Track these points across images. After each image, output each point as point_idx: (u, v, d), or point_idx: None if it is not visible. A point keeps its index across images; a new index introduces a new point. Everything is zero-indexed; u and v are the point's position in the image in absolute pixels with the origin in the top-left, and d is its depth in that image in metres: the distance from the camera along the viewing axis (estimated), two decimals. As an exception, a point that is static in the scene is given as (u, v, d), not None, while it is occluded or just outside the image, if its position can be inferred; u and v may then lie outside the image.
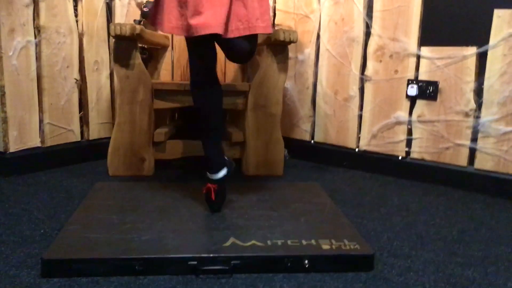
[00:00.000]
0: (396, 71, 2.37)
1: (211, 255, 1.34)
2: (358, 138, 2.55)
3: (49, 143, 2.38)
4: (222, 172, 1.72)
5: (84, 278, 1.28)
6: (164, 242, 1.42)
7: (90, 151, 2.56)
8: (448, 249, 1.55)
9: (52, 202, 1.88)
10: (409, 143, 2.38)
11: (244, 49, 1.66)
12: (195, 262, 1.32)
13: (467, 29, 2.15)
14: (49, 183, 2.14)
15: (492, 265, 1.43)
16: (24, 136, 2.26)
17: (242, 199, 1.85)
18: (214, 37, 1.59)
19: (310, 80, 2.70)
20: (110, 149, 2.26)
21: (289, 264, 1.34)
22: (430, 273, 1.37)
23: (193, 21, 1.53)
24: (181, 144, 2.34)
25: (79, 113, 2.52)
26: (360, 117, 2.53)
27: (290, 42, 2.23)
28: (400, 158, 2.42)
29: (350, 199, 2.05)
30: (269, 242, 1.43)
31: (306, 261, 1.35)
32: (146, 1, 2.63)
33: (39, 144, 2.34)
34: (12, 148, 2.21)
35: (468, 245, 1.58)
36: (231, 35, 1.58)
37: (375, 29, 2.41)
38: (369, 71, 2.46)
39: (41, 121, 2.33)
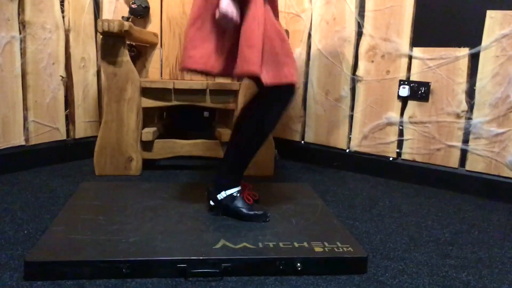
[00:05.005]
0: (387, 72, 2.35)
1: (201, 258, 1.30)
2: (349, 139, 2.53)
3: (33, 141, 2.32)
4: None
5: (69, 281, 1.24)
6: (152, 244, 1.38)
7: (76, 150, 2.51)
8: (441, 251, 1.53)
9: (36, 202, 1.83)
10: (400, 144, 2.36)
11: None
12: (184, 265, 1.28)
13: (460, 30, 2.14)
14: (33, 182, 2.08)
15: (486, 268, 1.42)
16: (8, 134, 2.20)
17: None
18: None
19: (301, 80, 2.67)
20: (96, 148, 2.21)
21: (281, 267, 1.31)
22: (424, 276, 1.35)
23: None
24: (170, 144, 2.30)
25: (65, 111, 2.47)
26: (351, 117, 2.51)
27: (282, 41, 2.20)
28: (391, 159, 2.40)
29: (341, 200, 2.03)
30: (260, 244, 1.40)
31: (299, 264, 1.32)
32: (135, -2, 2.58)
33: (23, 143, 2.28)
34: (-5, 147, 2.16)
35: (461, 247, 1.57)
36: None
37: (367, 29, 2.39)
38: (360, 71, 2.44)
39: (25, 119, 2.27)
